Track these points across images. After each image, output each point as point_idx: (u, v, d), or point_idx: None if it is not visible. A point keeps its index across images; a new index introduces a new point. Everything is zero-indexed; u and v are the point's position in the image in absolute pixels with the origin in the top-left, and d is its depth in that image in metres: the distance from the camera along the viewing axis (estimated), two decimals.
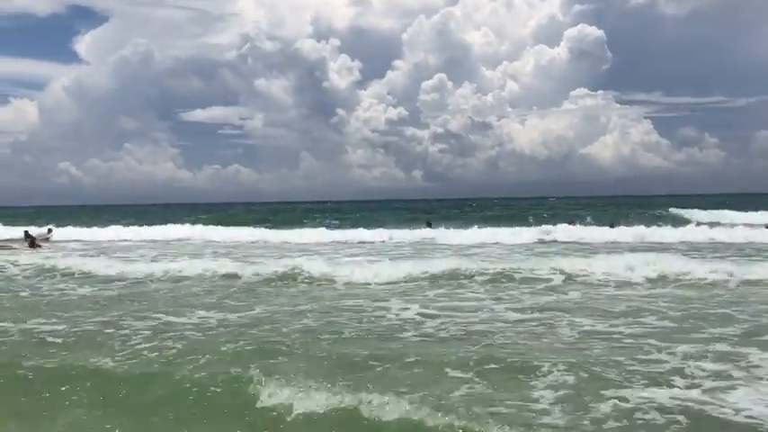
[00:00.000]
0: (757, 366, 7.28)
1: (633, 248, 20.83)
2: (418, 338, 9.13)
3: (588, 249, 22.32)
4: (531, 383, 6.79)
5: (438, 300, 12.19)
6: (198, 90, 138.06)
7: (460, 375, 7.13)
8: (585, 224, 33.39)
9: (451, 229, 30.63)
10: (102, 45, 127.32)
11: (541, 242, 26.96)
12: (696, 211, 44.68)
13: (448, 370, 7.32)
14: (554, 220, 35.03)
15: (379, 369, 7.41)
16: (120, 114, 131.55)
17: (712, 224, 30.58)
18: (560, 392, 6.47)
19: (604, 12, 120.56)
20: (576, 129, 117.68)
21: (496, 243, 26.64)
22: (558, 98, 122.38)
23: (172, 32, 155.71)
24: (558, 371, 7.12)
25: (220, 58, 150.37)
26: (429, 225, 34.53)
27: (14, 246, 28.66)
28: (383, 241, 29.39)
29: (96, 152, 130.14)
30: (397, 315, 10.80)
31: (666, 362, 7.52)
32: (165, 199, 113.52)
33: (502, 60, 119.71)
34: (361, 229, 33.00)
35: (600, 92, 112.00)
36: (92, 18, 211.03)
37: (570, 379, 6.88)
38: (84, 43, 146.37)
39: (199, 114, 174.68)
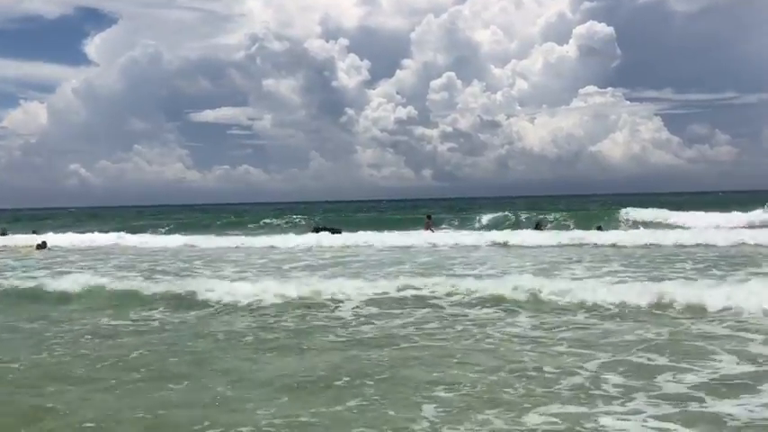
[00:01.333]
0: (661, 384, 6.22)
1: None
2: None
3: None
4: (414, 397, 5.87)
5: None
6: (207, 91, 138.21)
7: (343, 386, 6.24)
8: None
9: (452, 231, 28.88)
10: (111, 47, 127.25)
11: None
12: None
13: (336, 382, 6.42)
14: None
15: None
16: (130, 116, 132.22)
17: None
18: (442, 412, 5.52)
19: (614, 8, 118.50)
20: (586, 126, 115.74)
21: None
22: (567, 96, 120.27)
23: (181, 33, 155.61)
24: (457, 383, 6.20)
25: (229, 58, 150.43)
26: (429, 218, 33.65)
27: (22, 250, 28.27)
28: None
29: (106, 154, 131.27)
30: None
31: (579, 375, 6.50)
32: (175, 200, 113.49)
33: (510, 59, 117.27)
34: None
35: (609, 89, 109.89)
36: (100, 20, 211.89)
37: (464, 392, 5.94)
38: (93, 45, 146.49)
39: (208, 115, 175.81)
